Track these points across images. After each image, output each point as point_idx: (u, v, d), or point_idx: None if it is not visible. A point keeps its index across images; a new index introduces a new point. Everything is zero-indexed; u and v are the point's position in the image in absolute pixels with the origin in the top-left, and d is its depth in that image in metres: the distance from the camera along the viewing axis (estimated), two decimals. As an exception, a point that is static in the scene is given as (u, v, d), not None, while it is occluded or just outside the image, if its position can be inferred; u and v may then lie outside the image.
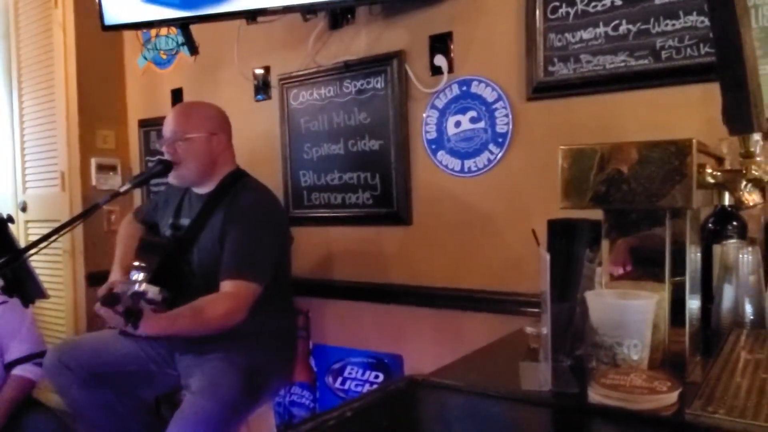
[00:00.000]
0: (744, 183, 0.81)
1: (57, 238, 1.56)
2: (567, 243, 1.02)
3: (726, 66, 0.76)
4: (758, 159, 0.88)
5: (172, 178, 1.89)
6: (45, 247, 1.55)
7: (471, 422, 0.90)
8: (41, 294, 1.69)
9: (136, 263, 1.61)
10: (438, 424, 0.94)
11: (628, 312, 0.90)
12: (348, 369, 2.31)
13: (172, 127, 1.88)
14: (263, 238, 1.79)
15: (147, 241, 1.83)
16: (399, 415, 0.95)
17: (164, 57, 2.86)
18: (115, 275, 1.92)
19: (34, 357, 2.18)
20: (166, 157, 1.87)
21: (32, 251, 1.50)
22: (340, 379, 2.33)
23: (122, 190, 1.74)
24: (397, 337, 2.18)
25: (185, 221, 1.90)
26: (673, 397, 0.79)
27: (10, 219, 1.55)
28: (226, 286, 1.70)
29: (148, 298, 1.38)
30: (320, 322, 2.35)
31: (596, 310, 0.94)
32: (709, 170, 0.82)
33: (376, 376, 2.26)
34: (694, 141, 0.81)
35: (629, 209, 0.91)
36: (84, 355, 1.87)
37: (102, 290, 1.73)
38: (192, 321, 1.64)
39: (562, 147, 0.92)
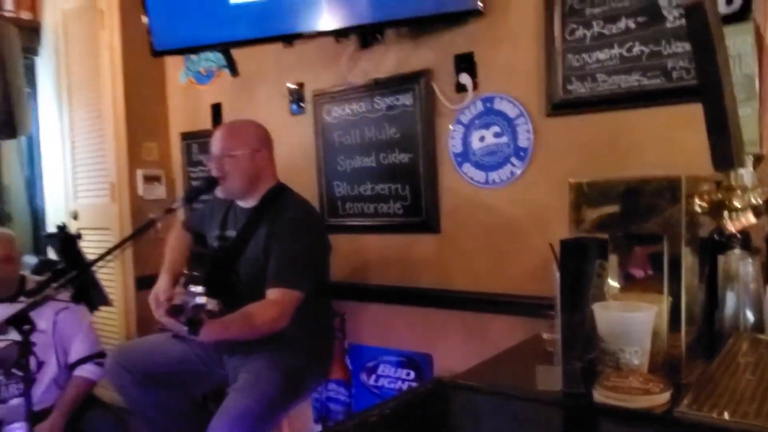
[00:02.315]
0: (726, 212, 0.93)
1: (120, 251, 1.74)
2: (578, 260, 1.15)
3: (710, 112, 0.88)
4: (748, 185, 1.00)
5: (219, 192, 2.05)
6: (108, 259, 1.73)
7: (493, 419, 1.04)
8: (105, 301, 1.87)
9: (189, 272, 1.79)
10: (463, 421, 1.08)
11: (629, 323, 1.03)
12: (381, 367, 2.46)
13: (219, 145, 2.04)
14: (305, 248, 1.95)
15: (198, 252, 2.00)
16: (429, 413, 1.09)
17: (204, 73, 3.04)
18: (163, 280, 2.07)
19: (94, 357, 2.36)
20: (213, 173, 2.03)
21: (98, 263, 1.68)
22: (374, 377, 2.49)
23: (175, 206, 1.91)
24: (427, 338, 2.33)
25: (231, 233, 2.07)
26: (665, 396, 0.92)
27: (79, 235, 1.73)
28: (272, 293, 1.86)
29: (208, 309, 1.55)
30: (355, 323, 2.51)
31: (602, 320, 1.07)
32: (697, 201, 0.95)
33: (408, 374, 2.40)
34: (683, 178, 0.94)
35: (629, 234, 1.04)
36: (141, 357, 2.06)
37: (154, 297, 1.90)
38: (242, 327, 1.81)
39: (570, 180, 1.05)
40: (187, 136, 3.16)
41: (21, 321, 1.47)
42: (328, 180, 2.54)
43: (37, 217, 3.62)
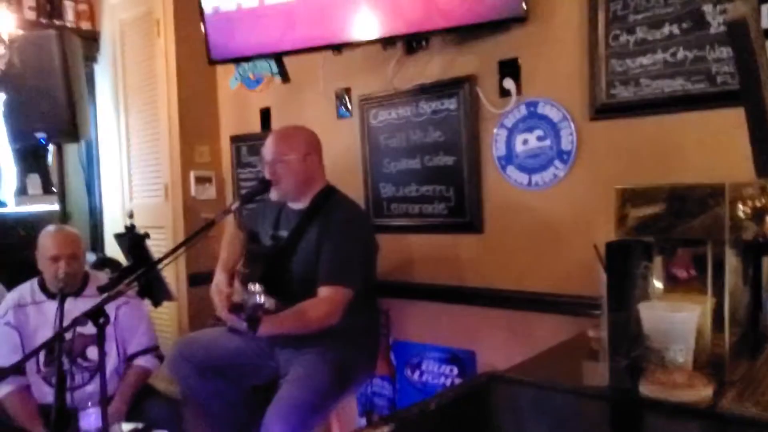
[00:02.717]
0: (769, 218, 0.98)
1: (183, 251, 1.86)
2: (623, 262, 1.21)
3: (752, 122, 0.93)
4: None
5: (272, 195, 2.16)
6: (173, 258, 1.85)
7: (538, 413, 1.10)
8: (169, 297, 2.00)
9: (246, 270, 1.90)
10: (509, 415, 1.15)
11: (674, 322, 1.09)
12: (425, 363, 2.54)
13: (272, 150, 2.15)
14: (354, 248, 2.04)
15: (254, 251, 2.11)
16: (476, 407, 1.16)
17: (253, 78, 3.15)
18: (221, 276, 2.19)
19: (152, 350, 2.51)
20: (267, 177, 2.14)
21: (164, 262, 1.80)
22: (418, 372, 2.57)
23: (233, 207, 2.02)
24: (470, 335, 2.40)
25: (283, 233, 2.17)
26: (708, 392, 0.97)
27: (147, 235, 1.85)
28: (324, 291, 1.96)
29: (266, 308, 1.66)
30: (400, 320, 2.59)
31: (648, 320, 1.12)
32: (740, 206, 1.00)
33: (451, 370, 2.47)
34: (726, 185, 0.99)
35: (673, 237, 1.09)
36: (200, 349, 2.18)
37: (217, 292, 2.02)
38: (296, 323, 1.92)
39: (616, 187, 1.11)
40: (236, 139, 3.28)
41: (97, 314, 1.59)
42: (374, 182, 2.63)
43: (95, 216, 3.81)
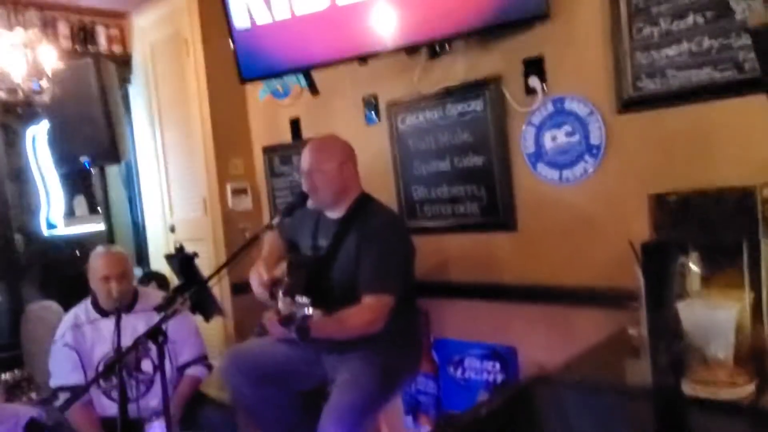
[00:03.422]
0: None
1: (230, 267, 1.95)
2: (659, 261, 1.24)
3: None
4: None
5: (309, 204, 2.22)
6: (220, 274, 1.94)
7: (586, 412, 1.14)
8: (219, 312, 2.09)
9: (291, 281, 1.97)
10: (558, 414, 1.19)
11: (713, 319, 1.12)
12: (467, 360, 2.59)
13: (308, 161, 2.20)
14: (393, 255, 2.10)
15: (296, 261, 2.18)
16: (527, 407, 1.21)
17: (281, 90, 3.22)
18: (261, 264, 2.18)
19: (201, 359, 2.61)
20: (304, 187, 2.20)
21: (213, 280, 1.89)
22: (460, 369, 2.62)
23: (274, 222, 2.10)
24: (510, 331, 2.44)
25: (323, 242, 2.24)
26: (750, 388, 1.00)
27: (196, 254, 1.95)
28: (367, 299, 2.03)
29: (314, 320, 1.73)
30: (440, 318, 2.64)
31: (687, 318, 1.15)
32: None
33: (493, 366, 2.52)
34: (757, 187, 1.01)
35: (709, 236, 1.12)
36: (252, 358, 2.27)
37: (258, 276, 2.06)
38: (339, 328, 2.00)
39: (649, 193, 1.14)
40: (268, 150, 3.36)
41: (156, 333, 1.69)
42: (405, 185, 2.68)
43: (138, 232, 3.95)
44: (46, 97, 2.64)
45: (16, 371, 3.04)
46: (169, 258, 2.09)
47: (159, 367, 1.75)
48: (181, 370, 2.59)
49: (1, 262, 3.51)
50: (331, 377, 2.20)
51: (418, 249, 2.37)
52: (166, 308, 1.75)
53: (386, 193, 2.61)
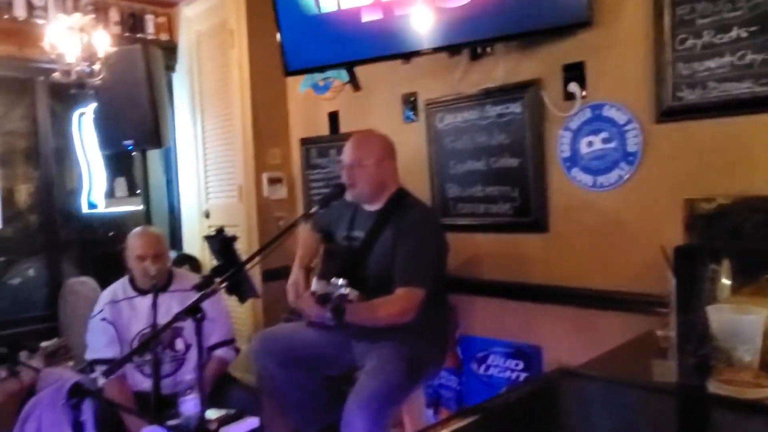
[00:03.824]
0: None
1: (269, 252, 2.03)
2: (691, 266, 1.27)
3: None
4: None
5: (348, 196, 2.29)
6: (260, 259, 2.02)
7: (609, 407, 1.19)
8: (255, 294, 2.16)
9: (325, 266, 2.04)
10: (581, 408, 1.23)
11: (741, 324, 1.15)
12: (491, 357, 2.63)
13: (350, 155, 2.27)
14: (428, 249, 2.16)
15: (331, 249, 2.25)
16: (544, 403, 1.25)
17: (322, 84, 3.29)
18: (298, 273, 2.33)
19: (229, 342, 2.69)
20: (344, 180, 2.27)
21: (252, 262, 1.96)
22: (484, 366, 2.66)
23: (312, 211, 2.17)
24: (535, 330, 2.48)
25: (358, 233, 2.31)
26: (775, 390, 1.04)
27: (235, 237, 2.02)
28: (399, 291, 2.09)
29: (350, 300, 1.79)
30: (467, 315, 2.69)
31: (715, 321, 1.19)
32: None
33: (517, 364, 2.56)
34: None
35: (741, 242, 1.16)
36: (281, 342, 2.35)
37: (294, 286, 2.16)
38: (370, 315, 2.07)
39: (685, 197, 1.18)
40: (306, 142, 3.44)
41: (195, 310, 1.77)
42: (440, 182, 2.73)
43: (174, 215, 4.07)
44: (96, 80, 2.75)
45: (55, 339, 3.18)
46: (210, 239, 2.16)
47: (197, 342, 1.82)
48: (210, 350, 2.67)
49: (42, 238, 3.66)
50: (360, 363, 2.26)
51: (451, 245, 2.42)
52: (204, 287, 1.82)
53: (421, 190, 2.67)
